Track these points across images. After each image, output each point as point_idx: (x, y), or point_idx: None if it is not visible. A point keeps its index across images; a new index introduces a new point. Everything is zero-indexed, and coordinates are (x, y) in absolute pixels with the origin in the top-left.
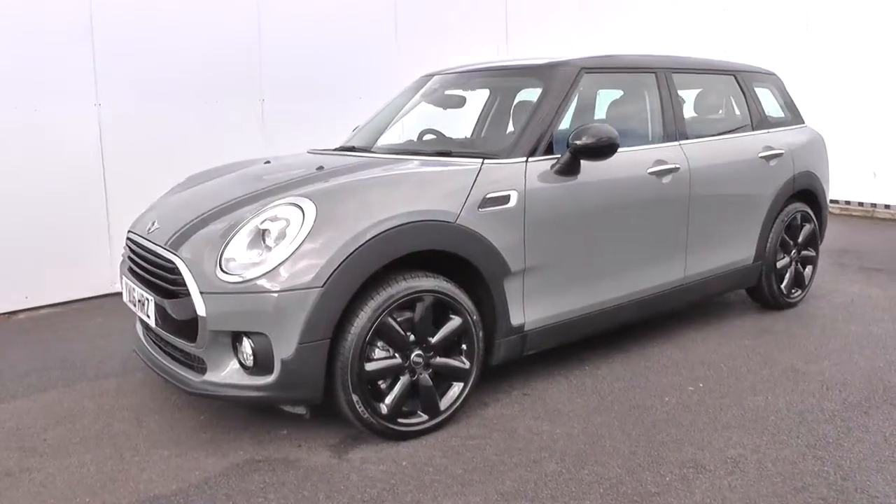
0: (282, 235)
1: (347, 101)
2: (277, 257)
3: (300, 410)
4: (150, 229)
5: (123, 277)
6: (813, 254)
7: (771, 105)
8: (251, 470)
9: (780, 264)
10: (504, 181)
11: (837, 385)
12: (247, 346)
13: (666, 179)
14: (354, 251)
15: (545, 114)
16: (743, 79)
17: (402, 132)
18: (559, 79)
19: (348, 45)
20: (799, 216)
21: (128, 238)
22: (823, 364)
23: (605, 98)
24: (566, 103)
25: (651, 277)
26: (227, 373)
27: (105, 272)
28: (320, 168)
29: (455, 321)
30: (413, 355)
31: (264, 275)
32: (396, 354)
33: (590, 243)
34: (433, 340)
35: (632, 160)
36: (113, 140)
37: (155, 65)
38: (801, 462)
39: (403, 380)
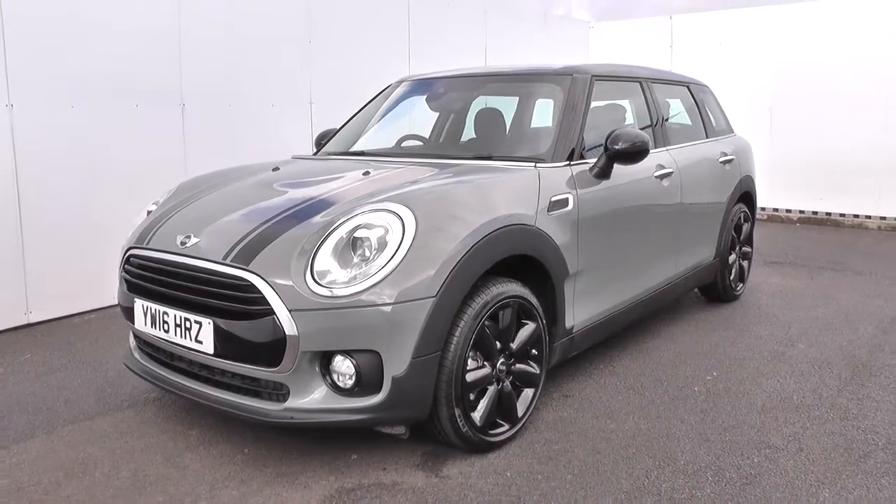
0: (382, 244)
1: (263, 109)
2: (383, 268)
3: (399, 430)
4: (182, 243)
5: (138, 301)
6: (750, 250)
7: (714, 114)
8: (354, 500)
9: (730, 260)
10: (561, 185)
11: (824, 364)
12: (344, 365)
13: (665, 182)
14: (462, 258)
15: (575, 119)
16: (693, 89)
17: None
18: (578, 85)
19: (265, 54)
20: (741, 216)
21: (133, 256)
22: (800, 347)
23: (606, 104)
24: (588, 109)
25: (658, 274)
26: (317, 397)
27: (15, 299)
28: (366, 173)
29: (530, 326)
30: (499, 363)
31: (372, 287)
32: (485, 363)
33: (620, 243)
34: (514, 347)
35: (642, 164)
36: (26, 146)
37: (74, 66)
38: (847, 433)
39: (492, 389)
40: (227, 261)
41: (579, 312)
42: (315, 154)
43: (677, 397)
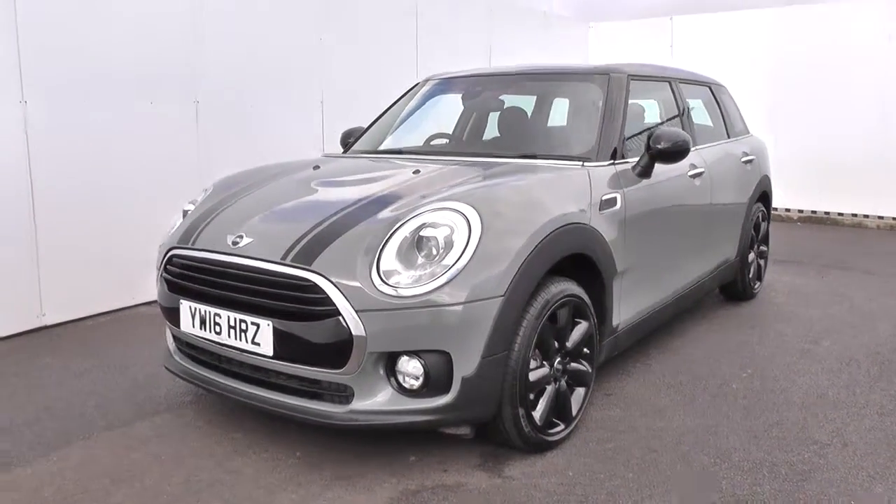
0: (448, 243)
1: (275, 107)
2: (452, 267)
3: (464, 431)
4: (234, 243)
5: (185, 302)
6: (766, 249)
7: (732, 115)
8: (420, 501)
9: (749, 259)
10: (609, 184)
11: (851, 362)
12: (411, 366)
13: (697, 182)
14: (528, 257)
15: (616, 118)
16: (714, 90)
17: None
18: (616, 85)
19: (277, 53)
20: (760, 215)
21: (177, 256)
22: (825, 345)
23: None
24: (626, 108)
25: (691, 272)
26: (382, 398)
27: (31, 302)
28: (417, 171)
29: (583, 325)
30: (555, 363)
31: (442, 286)
32: (544, 363)
33: (659, 242)
34: (569, 346)
35: (678, 163)
36: (40, 143)
37: (88, 61)
38: (886, 428)
39: (549, 389)
40: (287, 261)
41: (624, 311)
42: (345, 152)
43: (717, 394)
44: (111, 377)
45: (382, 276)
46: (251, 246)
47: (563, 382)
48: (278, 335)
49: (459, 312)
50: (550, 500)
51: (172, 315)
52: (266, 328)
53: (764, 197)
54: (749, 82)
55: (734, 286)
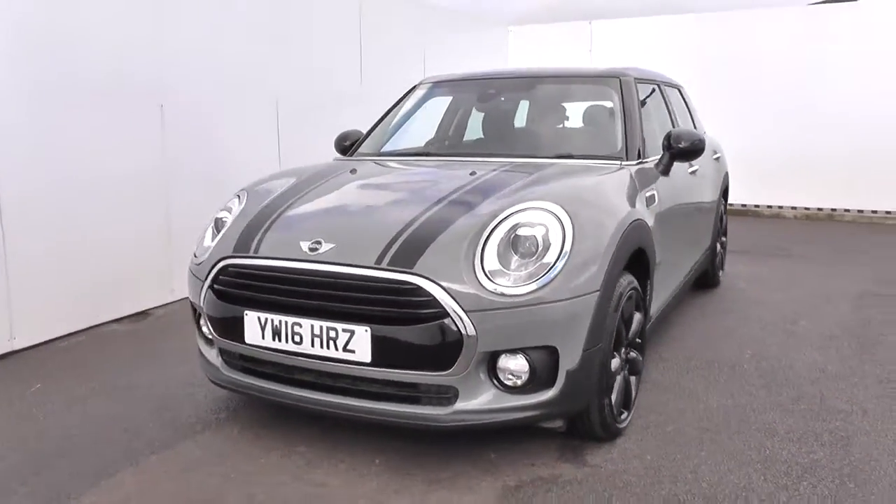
0: (546, 242)
1: (238, 110)
2: (555, 265)
3: (558, 424)
4: (313, 249)
5: (251, 313)
6: (725, 240)
7: (695, 113)
8: (528, 496)
9: (717, 249)
10: (647, 181)
11: (832, 339)
12: (514, 363)
13: (696, 178)
14: (614, 252)
15: (635, 119)
16: (682, 90)
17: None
18: (627, 87)
19: (239, 53)
20: (723, 208)
21: (233, 266)
22: (802, 324)
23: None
24: (640, 109)
25: (689, 262)
26: (486, 397)
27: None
28: (473, 173)
29: (638, 316)
30: (622, 352)
31: (549, 283)
32: (615, 353)
33: (675, 235)
34: (630, 336)
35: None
36: (5, 151)
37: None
38: (889, 394)
39: (619, 378)
40: (384, 265)
41: (654, 302)
42: (349, 155)
43: (733, 375)
44: (123, 399)
45: (489, 275)
46: (334, 252)
47: (626, 371)
48: (377, 341)
49: (567, 308)
50: (647, 484)
51: (230, 328)
52: (362, 334)
53: (726, 191)
54: None
55: (705, 275)
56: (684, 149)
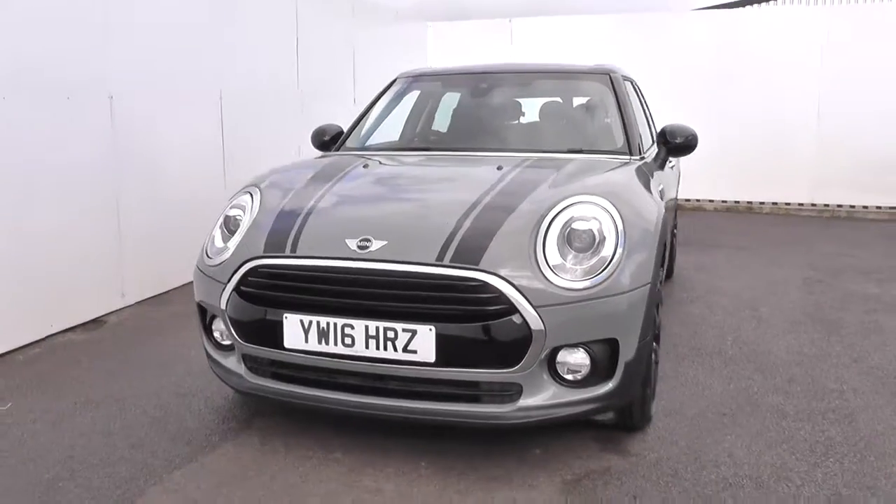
0: (601, 235)
1: (184, 102)
2: (614, 257)
3: (609, 416)
4: (362, 247)
5: (292, 316)
6: (676, 231)
7: None
8: (590, 489)
9: (672, 241)
10: (654, 176)
11: (797, 323)
12: (573, 357)
13: (672, 172)
14: (657, 245)
15: (630, 115)
16: (635, 84)
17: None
18: (618, 83)
19: (182, 41)
20: (676, 201)
21: (266, 267)
22: (763, 311)
23: None
24: (631, 105)
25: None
26: (548, 393)
27: None
28: (500, 168)
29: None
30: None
31: (610, 277)
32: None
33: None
34: (657, 326)
35: None
36: None
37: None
38: (868, 372)
39: (654, 369)
40: (446, 261)
41: None
42: (336, 149)
43: (724, 361)
44: (113, 413)
45: (553, 269)
46: (387, 249)
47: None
48: (442, 340)
49: (627, 300)
50: (693, 469)
51: (261, 332)
52: (426, 334)
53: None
54: None
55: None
56: (680, 144)
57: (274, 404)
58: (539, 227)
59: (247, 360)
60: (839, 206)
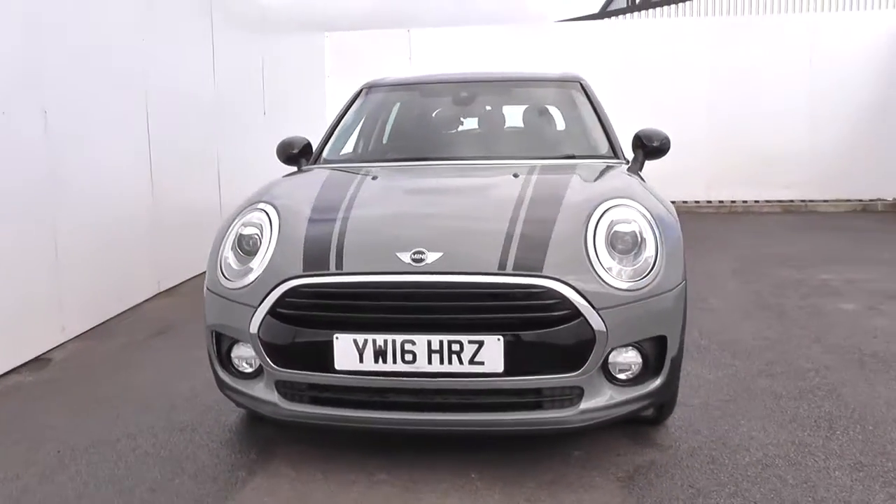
0: (641, 237)
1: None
2: (657, 257)
3: (650, 411)
4: (417, 260)
5: (344, 336)
6: None
7: None
8: (648, 483)
9: None
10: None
11: (749, 313)
12: (623, 356)
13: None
14: (682, 244)
15: (607, 120)
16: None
17: None
18: (590, 90)
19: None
20: None
21: (309, 286)
22: (713, 301)
23: None
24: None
25: None
26: (607, 393)
27: None
28: (516, 175)
29: None
30: None
31: (657, 276)
32: None
33: None
34: None
35: None
36: None
37: None
38: (832, 352)
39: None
40: (509, 269)
41: None
42: (313, 162)
43: (701, 351)
44: (114, 457)
45: (608, 272)
46: (444, 261)
47: None
48: (510, 349)
49: (673, 297)
50: (727, 455)
51: (305, 356)
52: (493, 344)
53: None
54: None
55: None
56: (656, 147)
57: (303, 429)
58: (586, 232)
59: (280, 386)
60: (733, 201)
